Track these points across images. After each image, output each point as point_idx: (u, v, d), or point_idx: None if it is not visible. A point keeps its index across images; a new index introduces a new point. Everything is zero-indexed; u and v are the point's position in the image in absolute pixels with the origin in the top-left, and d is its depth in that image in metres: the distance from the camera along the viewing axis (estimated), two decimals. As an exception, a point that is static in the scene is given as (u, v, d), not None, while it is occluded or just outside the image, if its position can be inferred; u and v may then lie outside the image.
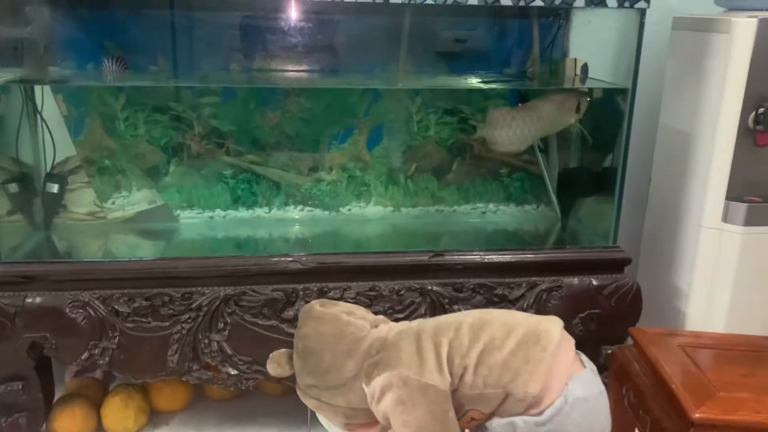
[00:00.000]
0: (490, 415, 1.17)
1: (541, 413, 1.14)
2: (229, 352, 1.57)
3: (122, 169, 1.82)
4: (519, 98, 1.89)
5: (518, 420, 1.14)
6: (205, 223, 1.87)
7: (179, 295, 1.53)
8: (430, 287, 1.60)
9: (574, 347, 1.23)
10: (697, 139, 1.71)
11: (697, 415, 1.17)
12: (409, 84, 1.91)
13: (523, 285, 1.63)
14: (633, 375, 1.40)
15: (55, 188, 1.76)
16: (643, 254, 1.99)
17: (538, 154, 1.91)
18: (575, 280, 1.64)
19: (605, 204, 1.73)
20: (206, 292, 1.54)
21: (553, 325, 1.22)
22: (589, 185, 1.83)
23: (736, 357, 1.37)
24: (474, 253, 1.64)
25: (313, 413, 1.33)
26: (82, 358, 1.54)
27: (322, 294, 1.57)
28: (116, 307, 1.52)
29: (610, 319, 1.65)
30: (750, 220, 1.63)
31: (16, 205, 1.69)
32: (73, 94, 1.77)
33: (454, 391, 1.17)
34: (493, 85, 1.84)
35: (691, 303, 1.74)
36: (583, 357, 1.23)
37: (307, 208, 1.91)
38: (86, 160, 1.80)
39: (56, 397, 1.71)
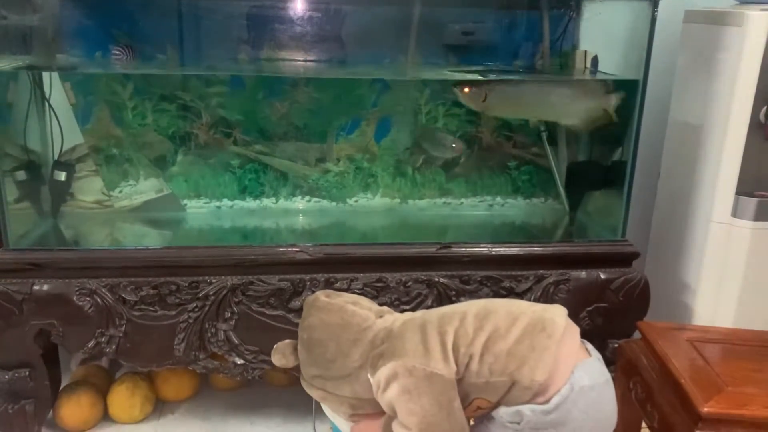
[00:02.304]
0: (497, 404, 1.17)
1: (547, 401, 1.13)
2: (236, 341, 1.57)
3: (130, 157, 1.82)
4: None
5: (525, 408, 1.14)
6: (212, 212, 1.87)
7: (186, 284, 1.54)
8: (437, 279, 1.60)
9: (579, 335, 1.22)
10: (707, 133, 1.70)
11: (705, 409, 1.16)
12: (418, 75, 1.90)
13: (531, 278, 1.62)
14: (641, 369, 1.39)
15: (62, 176, 1.76)
16: (651, 248, 1.98)
17: (547, 146, 1.90)
18: (583, 274, 1.63)
19: (614, 197, 1.72)
20: (213, 281, 1.54)
21: (557, 314, 1.22)
22: (597, 179, 1.82)
23: (744, 352, 1.36)
24: (481, 245, 1.64)
25: (318, 404, 1.34)
26: (89, 345, 1.54)
27: (329, 284, 1.57)
28: (123, 295, 1.52)
29: (617, 313, 1.64)
30: (760, 215, 1.62)
31: (24, 192, 1.69)
32: (81, 82, 1.77)
33: (460, 380, 1.17)
34: (501, 77, 1.83)
35: (699, 298, 1.73)
36: (589, 345, 1.23)
37: (315, 199, 1.91)
38: (94, 148, 1.80)
39: (63, 385, 1.71)
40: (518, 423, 1.14)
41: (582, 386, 1.14)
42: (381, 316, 1.29)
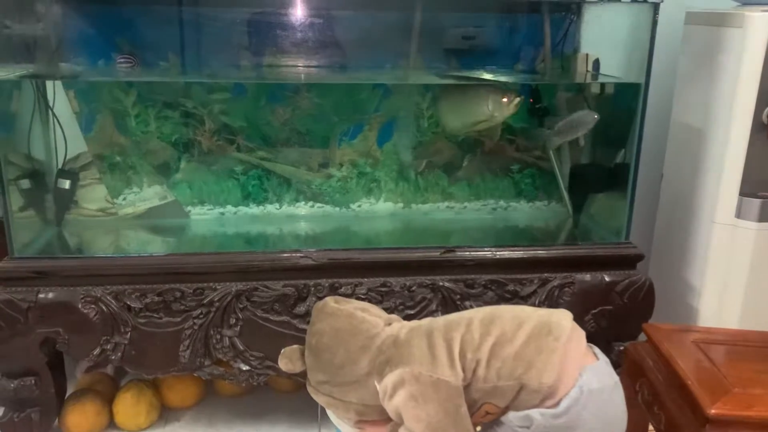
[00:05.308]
0: (506, 409, 1.17)
1: (556, 405, 1.13)
2: (241, 347, 1.57)
3: (133, 165, 1.82)
4: (530, 93, 1.89)
5: (535, 413, 1.13)
6: (216, 219, 1.87)
7: (191, 291, 1.54)
8: (441, 283, 1.60)
9: (585, 339, 1.22)
10: (710, 134, 1.70)
11: (712, 411, 1.16)
12: (420, 79, 1.91)
13: (535, 281, 1.62)
14: (647, 371, 1.39)
15: (66, 184, 1.76)
16: (655, 250, 1.98)
17: (550, 149, 1.91)
18: (587, 277, 1.63)
19: (617, 200, 1.72)
20: (218, 287, 1.54)
21: (563, 317, 1.22)
22: (600, 181, 1.82)
23: (750, 353, 1.36)
24: (485, 249, 1.64)
25: (323, 410, 1.33)
26: (94, 353, 1.54)
27: (333, 290, 1.57)
28: (128, 302, 1.53)
29: (622, 315, 1.64)
30: (764, 216, 1.62)
31: (29, 201, 1.69)
32: (84, 90, 1.77)
33: (468, 386, 1.17)
34: (503, 79, 1.83)
35: (703, 299, 1.73)
36: (596, 349, 1.23)
37: (318, 205, 1.91)
38: (97, 156, 1.81)
39: (68, 393, 1.72)
40: (528, 428, 1.14)
41: (591, 389, 1.13)
42: (389, 324, 1.29)
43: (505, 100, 1.72)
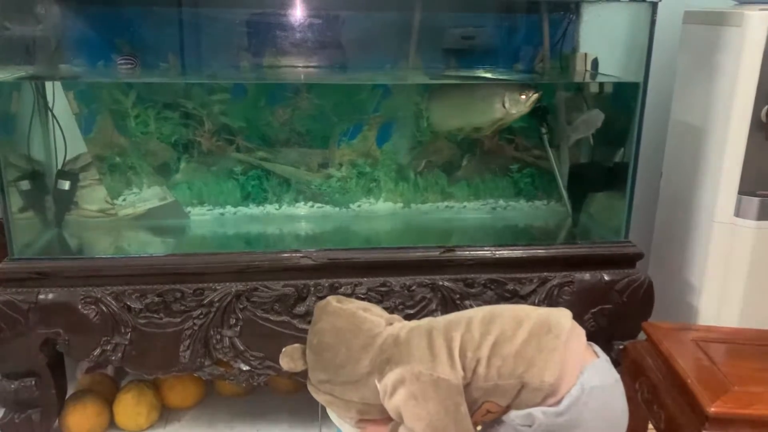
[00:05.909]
0: (507, 408, 1.17)
1: (558, 403, 1.13)
2: (241, 347, 1.57)
3: (133, 166, 1.82)
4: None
5: (536, 411, 1.14)
6: (216, 219, 1.87)
7: (191, 291, 1.54)
8: (441, 283, 1.60)
9: (585, 337, 1.23)
10: (709, 133, 1.70)
11: (712, 409, 1.16)
12: (420, 80, 1.91)
13: (535, 280, 1.63)
14: (646, 370, 1.39)
15: (66, 185, 1.76)
16: (654, 249, 1.98)
17: (549, 149, 1.91)
18: (587, 276, 1.64)
19: (616, 199, 1.73)
20: (218, 288, 1.55)
21: (562, 316, 1.22)
22: (600, 180, 1.82)
23: (750, 351, 1.36)
24: (485, 248, 1.64)
25: (324, 410, 1.33)
26: (95, 354, 1.54)
27: (333, 290, 1.57)
28: (128, 303, 1.53)
29: (621, 314, 1.64)
30: (763, 215, 1.63)
31: (29, 202, 1.69)
32: (83, 91, 1.77)
33: (468, 385, 1.17)
34: (503, 78, 1.84)
35: (703, 298, 1.73)
36: (596, 347, 1.23)
37: (317, 205, 1.91)
38: (97, 157, 1.81)
39: (68, 394, 1.72)
40: (530, 426, 1.14)
41: (592, 387, 1.14)
42: (391, 324, 1.29)
43: (523, 97, 1.71)
